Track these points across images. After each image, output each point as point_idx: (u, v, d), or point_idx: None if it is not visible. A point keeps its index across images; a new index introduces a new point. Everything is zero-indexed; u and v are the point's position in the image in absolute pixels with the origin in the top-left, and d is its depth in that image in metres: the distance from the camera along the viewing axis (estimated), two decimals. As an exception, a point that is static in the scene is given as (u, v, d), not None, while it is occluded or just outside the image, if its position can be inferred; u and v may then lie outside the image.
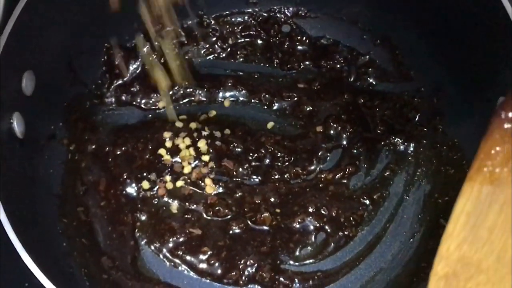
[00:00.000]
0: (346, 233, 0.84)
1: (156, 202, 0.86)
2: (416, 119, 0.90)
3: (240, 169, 0.88)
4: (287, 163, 0.88)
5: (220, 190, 0.86)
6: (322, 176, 0.88)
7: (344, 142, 0.89)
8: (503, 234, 0.53)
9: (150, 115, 0.92)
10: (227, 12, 0.97)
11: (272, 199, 0.86)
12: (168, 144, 0.88)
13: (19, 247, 0.64)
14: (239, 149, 0.88)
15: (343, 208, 0.85)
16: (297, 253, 0.83)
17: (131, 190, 0.86)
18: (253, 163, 0.88)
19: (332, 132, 0.90)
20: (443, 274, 0.55)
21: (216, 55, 0.97)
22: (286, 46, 0.96)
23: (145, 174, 0.86)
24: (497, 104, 0.72)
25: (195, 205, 0.85)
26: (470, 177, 0.55)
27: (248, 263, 0.82)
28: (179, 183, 0.86)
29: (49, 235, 0.79)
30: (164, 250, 0.83)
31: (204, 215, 0.85)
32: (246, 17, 0.97)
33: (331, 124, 0.90)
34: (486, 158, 0.54)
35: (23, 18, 0.72)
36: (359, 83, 0.94)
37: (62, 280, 0.66)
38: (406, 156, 0.89)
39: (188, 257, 0.83)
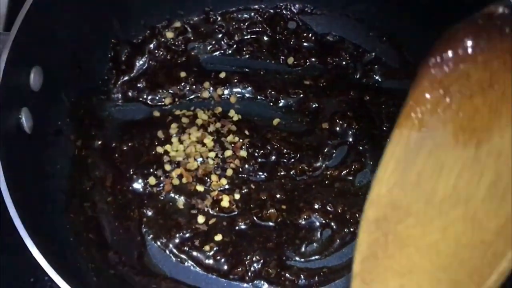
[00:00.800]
0: (351, 229, 0.84)
1: (162, 198, 0.86)
2: (422, 116, 0.90)
3: (246, 166, 0.88)
4: (293, 160, 0.88)
5: (226, 186, 0.87)
6: (328, 172, 0.88)
7: (350, 139, 0.90)
8: (431, 178, 0.53)
9: (156, 111, 0.92)
10: (234, 9, 0.97)
11: (278, 196, 0.86)
12: (175, 140, 0.88)
13: (29, 242, 0.65)
14: (245, 146, 0.88)
15: (349, 204, 0.85)
16: (303, 249, 0.84)
17: (138, 185, 0.86)
18: (259, 160, 0.88)
19: (338, 129, 0.90)
20: (374, 218, 0.55)
21: (222, 51, 0.97)
22: (292, 43, 0.96)
23: (151, 170, 0.87)
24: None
25: (201, 201, 0.85)
26: (400, 124, 0.55)
27: (254, 259, 0.82)
28: (185, 179, 0.86)
29: (56, 230, 0.79)
30: (170, 245, 0.84)
31: (210, 211, 0.85)
32: (252, 14, 0.97)
33: (337, 121, 0.90)
34: (415, 104, 0.55)
35: (31, 15, 0.72)
36: (365, 80, 0.94)
37: (69, 274, 0.66)
38: (411, 153, 0.88)
39: (194, 253, 0.83)
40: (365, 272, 0.54)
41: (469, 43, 0.54)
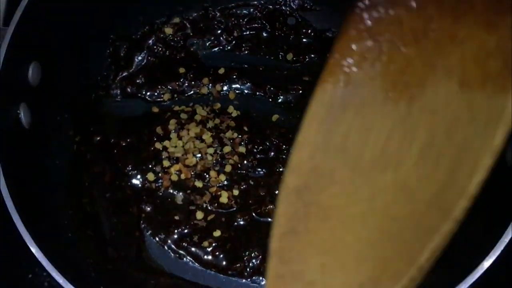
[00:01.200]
0: (350, 225, 0.84)
1: (161, 194, 0.86)
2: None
3: (245, 162, 0.88)
4: (292, 156, 0.88)
5: (225, 182, 0.87)
6: (327, 168, 0.88)
7: (349, 135, 0.90)
8: (358, 140, 0.47)
9: (155, 107, 0.92)
10: (233, 5, 0.97)
11: (277, 192, 0.86)
12: (173, 136, 0.88)
13: (27, 238, 0.65)
14: (244, 142, 0.88)
15: (348, 200, 0.85)
16: (302, 245, 0.84)
17: (136, 181, 0.86)
18: (258, 156, 0.88)
19: (337, 125, 0.90)
20: (294, 187, 0.48)
21: (221, 47, 0.97)
22: (291, 39, 0.96)
23: (150, 165, 0.86)
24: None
25: (200, 197, 0.85)
26: (323, 80, 0.49)
27: (253, 255, 0.82)
28: (184, 175, 0.86)
29: (54, 226, 0.79)
30: (169, 241, 0.84)
31: (209, 207, 0.85)
32: (251, 10, 0.97)
33: (336, 117, 0.90)
34: (341, 57, 0.49)
35: (29, 10, 0.72)
36: (364, 76, 0.94)
37: (68, 270, 0.66)
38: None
39: (193, 249, 0.83)
40: (283, 250, 0.48)
41: None
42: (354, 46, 0.49)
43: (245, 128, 0.90)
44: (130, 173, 0.86)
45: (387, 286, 0.42)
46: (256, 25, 0.97)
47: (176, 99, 0.93)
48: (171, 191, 0.86)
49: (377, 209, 0.44)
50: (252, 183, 0.87)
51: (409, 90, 0.46)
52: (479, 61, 0.44)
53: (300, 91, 0.92)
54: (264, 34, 0.97)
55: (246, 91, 0.94)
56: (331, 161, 0.47)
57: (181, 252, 0.83)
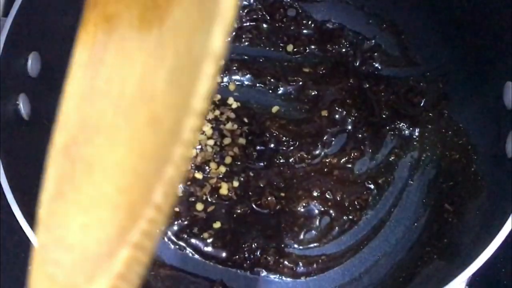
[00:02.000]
0: (350, 217, 0.84)
1: (160, 186, 0.86)
2: (422, 104, 0.90)
3: (245, 153, 0.88)
4: (291, 148, 0.88)
5: (225, 174, 0.87)
6: (327, 160, 0.88)
7: (349, 127, 0.89)
8: (119, 80, 0.42)
9: (155, 99, 0.91)
10: (232, -5, 0.96)
11: (277, 183, 0.86)
12: (173, 127, 0.88)
13: (26, 228, 0.64)
14: (244, 133, 0.88)
15: (348, 192, 0.85)
16: (302, 236, 0.84)
17: (136, 173, 0.86)
18: (258, 147, 0.88)
19: (337, 116, 0.90)
20: (63, 145, 0.43)
21: (221, 38, 0.96)
22: (291, 30, 0.96)
23: (150, 157, 0.86)
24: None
25: (199, 189, 0.85)
26: (86, 19, 0.43)
27: (252, 246, 0.82)
28: (184, 167, 0.86)
29: (54, 217, 0.79)
30: (169, 233, 0.84)
31: (209, 199, 0.85)
32: (251, 1, 0.96)
33: (336, 108, 0.90)
34: None
35: (28, 0, 0.71)
36: (365, 68, 0.94)
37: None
38: (411, 141, 0.88)
39: (192, 240, 0.83)
40: (50, 216, 0.43)
41: None
42: None
43: (245, 120, 0.89)
44: (129, 164, 0.86)
45: (130, 230, 0.37)
46: (256, 16, 0.97)
47: (176, 90, 0.92)
48: (171, 182, 0.86)
49: (134, 150, 0.39)
50: (252, 174, 0.87)
51: (160, 11, 0.41)
52: None
53: (300, 83, 0.92)
54: (264, 25, 0.96)
55: (246, 83, 0.93)
56: (97, 108, 0.42)
57: (181, 243, 0.83)
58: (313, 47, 0.95)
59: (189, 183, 0.86)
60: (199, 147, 0.87)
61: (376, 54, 0.94)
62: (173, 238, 0.83)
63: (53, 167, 0.43)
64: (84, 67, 0.43)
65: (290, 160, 0.88)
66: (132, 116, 0.40)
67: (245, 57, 0.95)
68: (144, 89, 0.40)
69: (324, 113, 0.90)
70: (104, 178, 0.40)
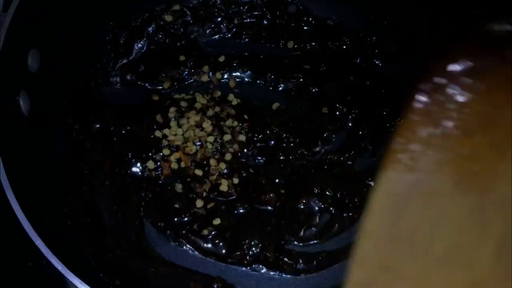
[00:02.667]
0: (350, 214, 0.84)
1: (161, 182, 0.86)
2: (422, 101, 0.89)
3: (245, 150, 0.88)
4: (292, 144, 0.88)
5: (225, 170, 0.86)
6: (327, 157, 0.88)
7: (350, 124, 0.89)
8: (426, 233, 0.44)
9: (155, 95, 0.91)
10: (233, -8, 0.96)
11: (277, 180, 0.86)
12: (173, 124, 0.88)
13: (27, 226, 0.65)
14: (244, 130, 0.88)
15: (348, 189, 0.85)
16: (302, 233, 0.84)
17: (136, 169, 0.86)
18: (258, 144, 0.88)
19: (337, 113, 0.90)
20: (360, 281, 0.46)
21: (221, 35, 0.96)
22: (292, 27, 0.96)
23: (150, 154, 0.86)
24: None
25: (199, 185, 0.85)
26: (387, 167, 0.45)
27: (252, 243, 0.82)
28: (184, 163, 0.86)
29: (54, 214, 0.79)
30: (169, 230, 0.84)
31: (209, 195, 0.85)
32: (252, -3, 0.97)
33: (337, 105, 0.90)
34: (404, 143, 0.45)
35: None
36: (365, 65, 0.93)
37: (67, 258, 0.66)
38: (411, 138, 0.88)
39: (192, 237, 0.83)
40: None
41: (465, 68, 0.44)
42: (418, 131, 0.45)
43: (245, 117, 0.89)
44: (130, 161, 0.86)
45: None
46: (256, 12, 0.96)
47: (176, 87, 0.92)
48: (171, 179, 0.86)
49: None
50: (252, 171, 0.87)
51: (479, 179, 0.43)
52: None
53: (301, 79, 0.92)
54: (265, 22, 0.96)
55: (246, 79, 0.93)
56: (398, 255, 0.45)
57: (181, 240, 0.83)
58: (313, 43, 0.95)
59: (189, 179, 0.86)
60: (199, 143, 0.87)
61: (376, 51, 0.94)
62: (173, 234, 0.83)
63: None
64: (384, 212, 0.45)
65: (291, 157, 0.88)
66: (443, 275, 0.42)
67: (246, 53, 0.95)
68: (460, 251, 0.42)
69: (325, 110, 0.90)
70: None
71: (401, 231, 0.45)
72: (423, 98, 0.45)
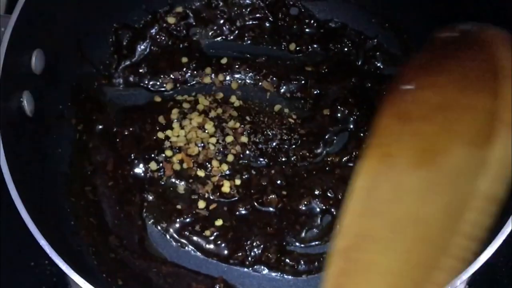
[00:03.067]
0: (351, 215, 0.84)
1: (163, 183, 0.86)
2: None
3: (247, 151, 0.88)
4: (294, 146, 0.88)
5: (227, 172, 0.87)
6: (329, 159, 0.88)
7: (351, 126, 0.90)
8: (395, 203, 0.55)
9: (157, 96, 0.92)
10: (236, -6, 0.97)
11: (279, 181, 0.86)
12: (176, 125, 0.88)
13: (30, 225, 0.65)
14: (246, 132, 0.88)
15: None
16: (303, 234, 0.84)
17: (139, 170, 0.86)
18: (260, 146, 0.88)
19: (339, 115, 0.90)
20: (343, 248, 0.55)
21: (224, 37, 0.96)
22: (294, 29, 0.96)
23: (152, 155, 0.87)
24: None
25: (202, 186, 0.86)
26: (370, 155, 0.56)
27: (254, 244, 0.82)
28: (186, 165, 0.87)
29: (57, 214, 0.79)
30: (171, 230, 0.84)
31: (211, 196, 0.86)
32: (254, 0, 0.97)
33: (338, 107, 0.90)
34: (383, 135, 0.57)
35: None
36: (367, 67, 0.94)
37: (70, 258, 0.66)
38: (412, 140, 0.88)
39: (194, 238, 0.83)
40: None
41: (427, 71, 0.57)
42: (393, 125, 0.57)
43: (247, 118, 0.90)
44: (132, 162, 0.86)
45: None
46: (259, 15, 0.97)
47: (179, 88, 0.93)
48: (173, 180, 0.86)
49: (403, 258, 0.53)
50: (254, 172, 0.87)
51: (436, 157, 0.54)
52: (485, 122, 0.53)
53: (303, 81, 0.92)
54: (267, 24, 0.97)
55: (248, 81, 0.94)
56: (373, 224, 0.55)
57: (183, 241, 0.83)
58: (315, 46, 0.95)
59: (191, 180, 0.86)
60: (202, 145, 0.87)
61: (378, 53, 0.94)
62: (175, 235, 0.84)
63: (336, 265, 0.55)
64: (365, 190, 0.55)
65: (292, 159, 0.88)
66: (405, 234, 0.53)
67: (248, 55, 0.95)
68: (420, 213, 0.53)
69: (326, 111, 0.90)
70: (377, 278, 0.54)
71: (376, 204, 0.55)
72: (398, 97, 0.58)
